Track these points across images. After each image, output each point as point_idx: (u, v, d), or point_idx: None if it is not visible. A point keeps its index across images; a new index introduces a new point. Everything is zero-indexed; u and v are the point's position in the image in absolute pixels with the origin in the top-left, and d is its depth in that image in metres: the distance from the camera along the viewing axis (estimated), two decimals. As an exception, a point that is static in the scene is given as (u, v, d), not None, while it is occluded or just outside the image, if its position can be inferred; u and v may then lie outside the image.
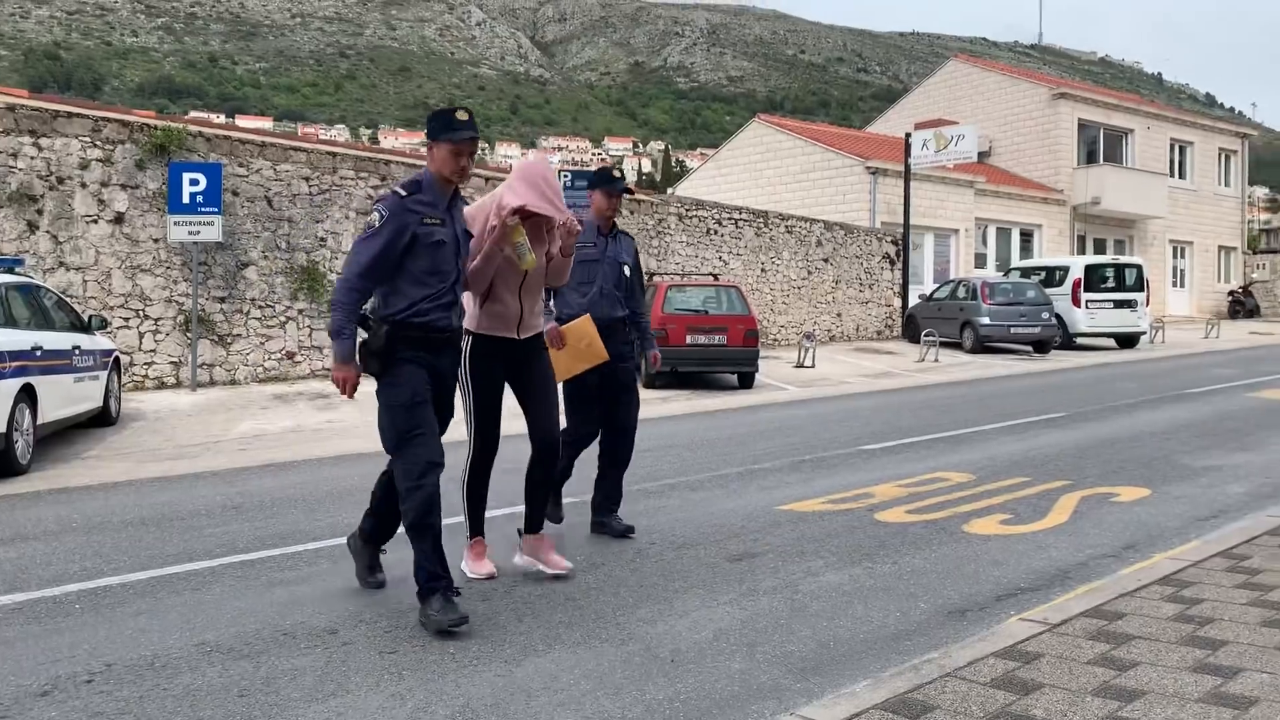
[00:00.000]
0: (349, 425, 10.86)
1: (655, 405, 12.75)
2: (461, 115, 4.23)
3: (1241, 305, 35.24)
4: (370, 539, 4.68)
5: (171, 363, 13.61)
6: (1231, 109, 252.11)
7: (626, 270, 5.75)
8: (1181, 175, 35.20)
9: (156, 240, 13.49)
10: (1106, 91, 39.97)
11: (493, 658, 3.78)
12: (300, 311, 14.68)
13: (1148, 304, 22.42)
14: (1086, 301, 21.65)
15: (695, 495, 6.81)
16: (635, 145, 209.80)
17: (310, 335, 14.78)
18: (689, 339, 14.15)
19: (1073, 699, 2.99)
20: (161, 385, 13.45)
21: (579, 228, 4.76)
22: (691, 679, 3.55)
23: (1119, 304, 21.80)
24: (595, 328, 5.34)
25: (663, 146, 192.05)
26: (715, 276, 17.88)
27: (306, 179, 14.86)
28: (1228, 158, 37.19)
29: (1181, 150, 35.43)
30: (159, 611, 4.43)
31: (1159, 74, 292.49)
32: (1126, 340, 22.27)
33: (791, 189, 27.72)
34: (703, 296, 15.37)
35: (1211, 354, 19.87)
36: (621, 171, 5.72)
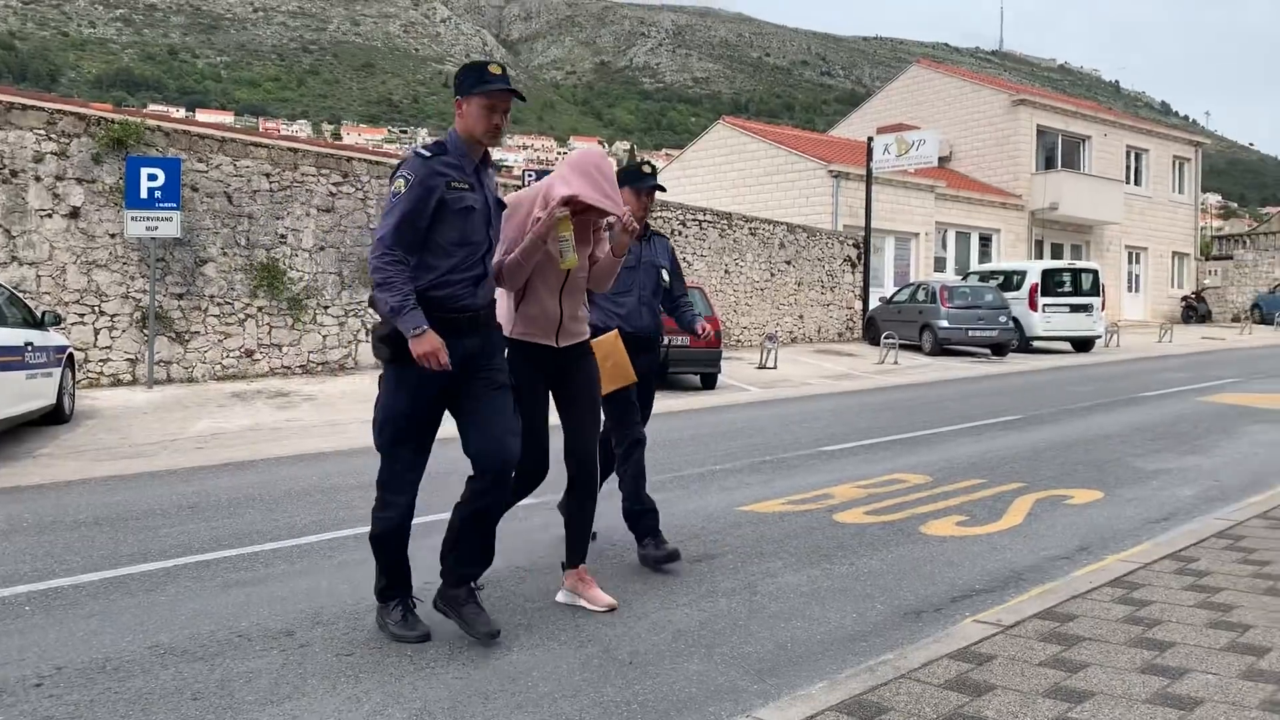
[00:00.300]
0: (308, 424, 10.77)
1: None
2: (494, 69, 3.84)
3: (1194, 310, 35.92)
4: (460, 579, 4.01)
5: (127, 360, 13.41)
6: (1186, 117, 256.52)
7: (665, 275, 5.31)
8: (1137, 182, 35.78)
9: (113, 235, 13.29)
10: (1065, 98, 40.52)
11: (451, 660, 3.77)
12: (260, 309, 14.52)
13: (1103, 308, 22.78)
14: (1043, 305, 21.97)
15: (656, 496, 6.77)
16: (601, 144, 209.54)
17: (270, 333, 14.62)
18: (652, 340, 14.16)
19: (1024, 700, 3.04)
20: (117, 382, 13.26)
21: (636, 226, 4.28)
22: (649, 680, 3.56)
23: (1075, 308, 22.14)
24: (623, 346, 4.86)
25: (628, 147, 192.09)
26: (678, 277, 17.93)
27: (267, 175, 14.70)
28: (1182, 165, 37.86)
29: (1137, 157, 36.02)
30: (112, 613, 4.37)
31: (1116, 82, 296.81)
32: (1082, 344, 22.62)
33: (755, 191, 27.85)
34: (666, 297, 15.40)
35: (1165, 358, 20.22)
36: (653, 165, 5.11)
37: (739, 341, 21.34)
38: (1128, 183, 34.81)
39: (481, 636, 3.88)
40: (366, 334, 15.56)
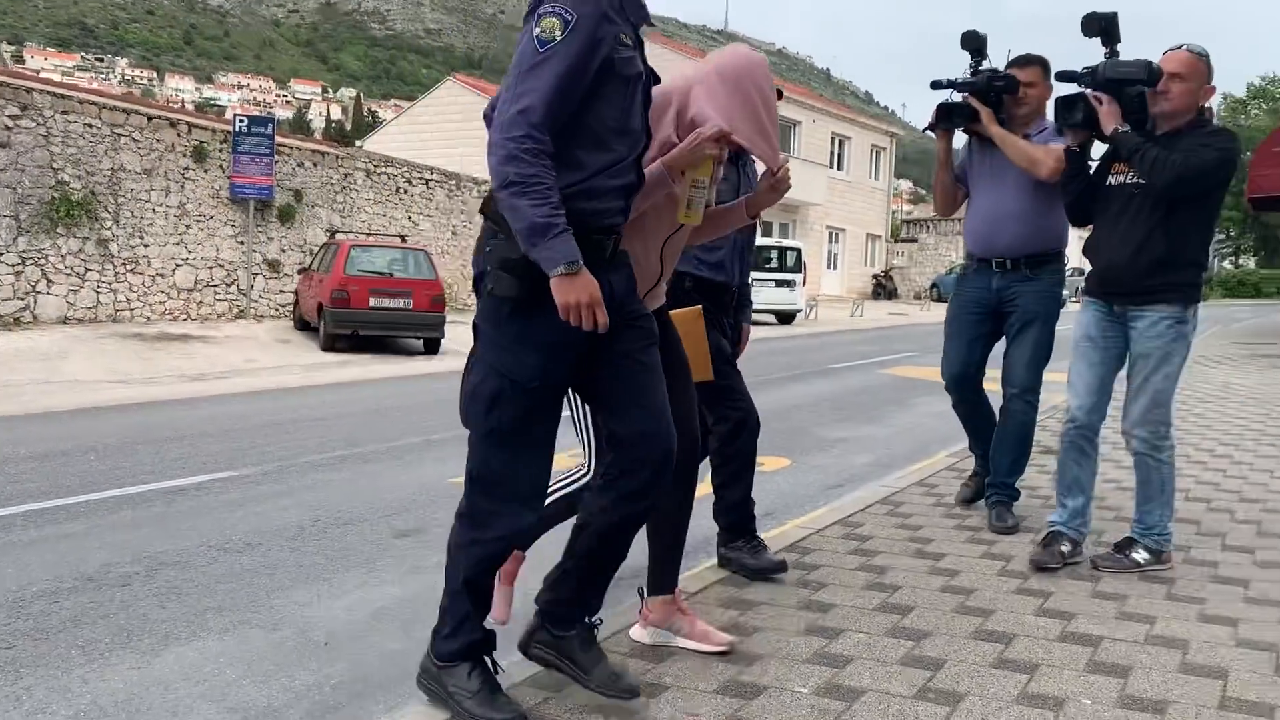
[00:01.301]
0: (-27, 386, 9.70)
1: (332, 370, 12.37)
2: None
3: (883, 288, 39.41)
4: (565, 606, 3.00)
5: None
6: (886, 108, 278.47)
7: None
8: (839, 167, 38.63)
9: None
10: (781, 83, 42.72)
11: (128, 649, 3.57)
12: (-86, 253, 12.84)
13: (804, 284, 24.53)
14: (752, 280, 23.35)
15: (368, 467, 6.72)
16: (325, 90, 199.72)
17: (-73, 280, 12.97)
18: (372, 302, 13.82)
19: (703, 666, 3.27)
20: None
21: (789, 184, 3.21)
22: (344, 662, 3.54)
23: (780, 283, 23.71)
24: (704, 329, 3.55)
25: (354, 94, 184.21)
26: (403, 238, 17.57)
27: (-75, 101, 12.97)
28: (879, 153, 41.24)
29: (841, 144, 38.83)
30: None
31: (828, 70, 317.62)
32: (785, 317, 24.25)
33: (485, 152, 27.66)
34: (388, 258, 15.06)
35: (855, 332, 22.06)
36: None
37: (467, 305, 21.18)
38: (831, 167, 37.50)
39: (620, 693, 2.83)
40: (47, 284, 14.13)
